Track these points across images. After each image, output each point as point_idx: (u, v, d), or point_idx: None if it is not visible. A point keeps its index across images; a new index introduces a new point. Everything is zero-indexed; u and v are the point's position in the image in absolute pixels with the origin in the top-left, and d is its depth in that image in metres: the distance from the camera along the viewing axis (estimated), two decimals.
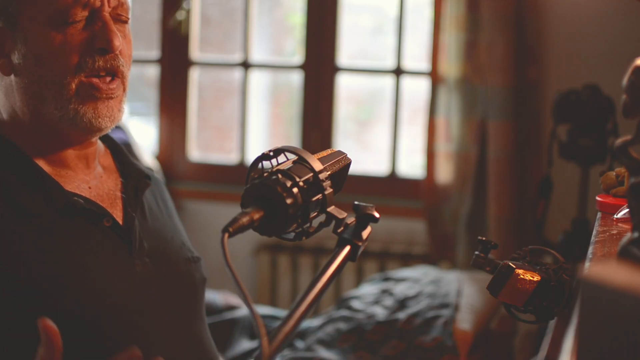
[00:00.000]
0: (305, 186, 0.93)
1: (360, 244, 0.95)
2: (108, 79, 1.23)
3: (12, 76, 1.24)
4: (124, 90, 1.26)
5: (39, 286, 1.13)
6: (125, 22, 1.27)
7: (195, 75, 3.44)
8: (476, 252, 1.19)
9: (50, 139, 1.26)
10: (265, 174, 0.94)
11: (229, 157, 3.53)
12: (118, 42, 1.22)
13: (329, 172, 0.99)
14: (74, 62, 1.20)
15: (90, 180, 1.29)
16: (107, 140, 1.39)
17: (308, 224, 0.96)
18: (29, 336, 1.11)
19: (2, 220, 1.15)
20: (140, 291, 1.23)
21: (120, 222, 1.27)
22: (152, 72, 3.49)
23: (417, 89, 3.24)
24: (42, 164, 1.24)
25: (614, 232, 1.08)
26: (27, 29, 1.21)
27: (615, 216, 1.17)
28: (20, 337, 1.12)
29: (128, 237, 1.25)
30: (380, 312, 2.28)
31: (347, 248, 0.95)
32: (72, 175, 1.27)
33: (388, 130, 3.25)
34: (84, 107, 1.21)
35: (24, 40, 1.21)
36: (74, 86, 1.20)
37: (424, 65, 3.16)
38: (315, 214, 0.96)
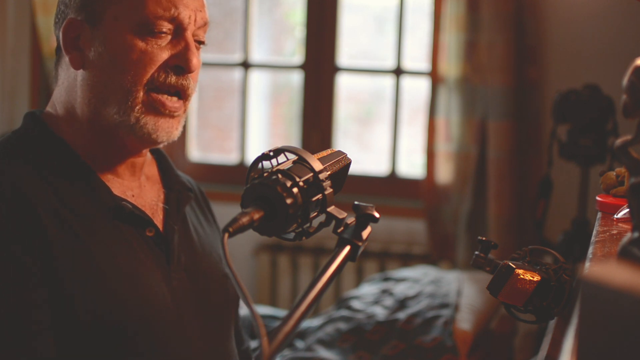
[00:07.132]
0: (305, 186, 0.93)
1: (360, 244, 0.95)
2: (175, 98, 1.23)
3: (80, 71, 1.22)
4: (185, 111, 1.26)
5: (78, 286, 1.12)
6: (201, 43, 1.27)
7: None
8: (476, 252, 1.19)
9: (104, 142, 1.24)
10: (265, 174, 0.94)
11: (229, 157, 3.53)
12: (196, 63, 1.23)
13: (329, 172, 0.99)
14: (148, 75, 1.19)
15: (134, 188, 1.28)
16: (154, 149, 1.37)
17: (308, 224, 0.96)
18: (65, 333, 1.11)
19: (55, 218, 1.14)
20: (175, 305, 1.22)
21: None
22: None
23: (417, 89, 3.24)
24: (91, 165, 1.23)
25: (614, 232, 1.08)
26: (110, 28, 1.19)
27: (615, 216, 1.17)
28: (57, 333, 1.12)
29: (167, 250, 1.25)
30: (380, 312, 2.28)
31: (347, 248, 0.95)
32: (119, 181, 1.26)
33: (388, 130, 3.25)
34: (146, 117, 1.20)
35: (103, 39, 1.19)
36: (141, 96, 1.20)
37: (424, 65, 3.16)
38: (315, 214, 0.96)
